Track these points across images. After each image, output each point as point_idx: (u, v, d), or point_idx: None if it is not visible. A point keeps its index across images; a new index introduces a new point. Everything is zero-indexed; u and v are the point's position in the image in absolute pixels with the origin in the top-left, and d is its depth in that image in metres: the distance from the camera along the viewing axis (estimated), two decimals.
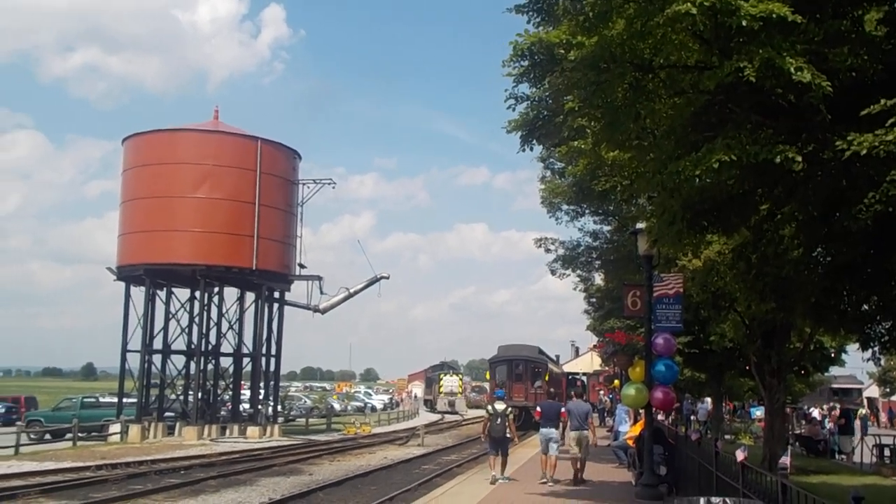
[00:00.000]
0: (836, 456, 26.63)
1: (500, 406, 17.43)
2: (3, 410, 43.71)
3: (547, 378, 45.33)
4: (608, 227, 24.73)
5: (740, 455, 8.34)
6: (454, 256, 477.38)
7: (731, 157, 6.94)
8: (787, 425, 28.56)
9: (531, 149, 10.47)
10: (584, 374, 68.00)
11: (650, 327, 14.92)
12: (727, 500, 6.61)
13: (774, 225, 9.10)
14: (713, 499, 6.61)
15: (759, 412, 34.28)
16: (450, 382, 71.94)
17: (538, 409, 19.08)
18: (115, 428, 34.42)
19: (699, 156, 7.12)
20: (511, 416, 17.47)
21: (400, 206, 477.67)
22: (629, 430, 19.08)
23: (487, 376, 52.38)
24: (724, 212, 8.66)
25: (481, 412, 69.36)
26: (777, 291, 10.98)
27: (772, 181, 8.04)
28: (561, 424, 17.80)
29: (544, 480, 17.07)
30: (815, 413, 37.88)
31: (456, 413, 66.63)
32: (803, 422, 34.88)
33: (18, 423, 34.75)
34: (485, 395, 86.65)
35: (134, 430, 34.12)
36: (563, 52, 8.58)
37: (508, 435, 17.35)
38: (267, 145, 37.70)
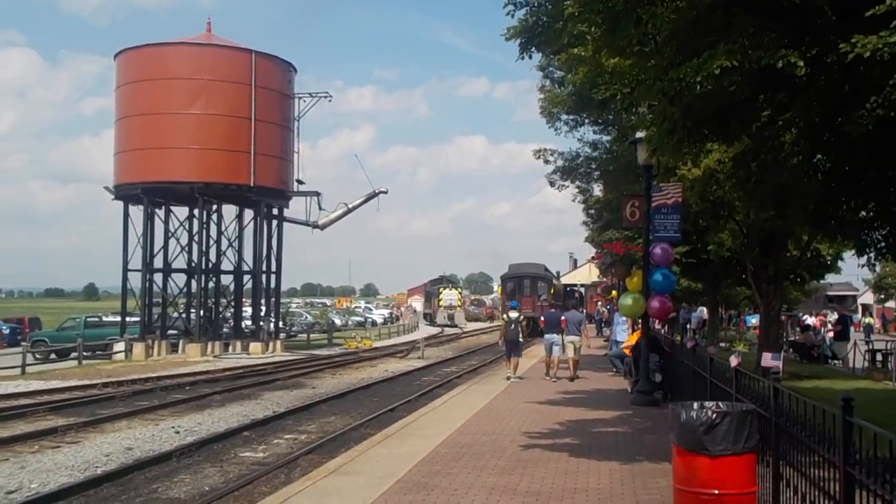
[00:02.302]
0: (830, 362, 27.06)
1: (513, 315, 20.46)
2: (7, 331, 44.32)
3: (552, 291, 51.03)
4: (608, 137, 24.49)
5: (734, 361, 8.48)
6: (454, 170, 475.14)
7: (732, 62, 6.81)
8: (782, 332, 28.91)
9: (530, 57, 10.19)
10: (583, 285, 68.76)
11: (648, 237, 14.98)
12: (720, 403, 6.73)
13: (775, 132, 8.99)
14: (706, 403, 6.72)
15: (754, 320, 34.67)
16: (449, 296, 72.71)
17: (542, 318, 22.49)
18: (120, 346, 34.91)
19: (701, 61, 6.98)
20: (523, 324, 20.84)
21: (399, 118, 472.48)
22: (627, 339, 19.60)
23: (499, 291, 59.77)
24: (725, 119, 8.54)
25: (480, 325, 71.04)
26: (776, 199, 10.95)
27: (774, 87, 7.91)
28: (560, 331, 20.05)
29: (548, 378, 19.78)
30: (810, 320, 38.31)
31: (455, 326, 67.51)
32: (797, 328, 35.32)
33: (23, 343, 35.19)
34: (483, 308, 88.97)
35: (138, 348, 34.64)
36: None
37: (521, 339, 20.41)
38: (261, 58, 37.13)
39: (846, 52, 6.38)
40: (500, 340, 21.83)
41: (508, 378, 19.78)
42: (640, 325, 17.72)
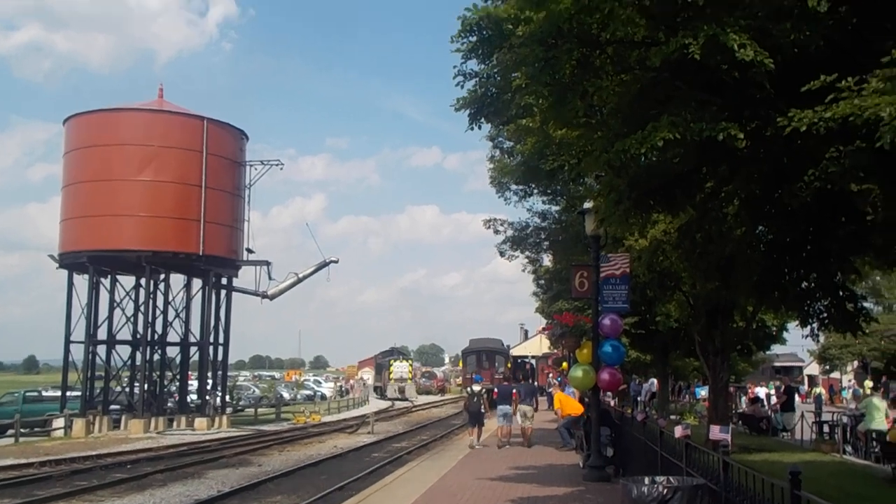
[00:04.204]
0: (779, 434, 27.20)
1: (476, 388, 22.97)
2: None
3: (509, 365, 55.65)
4: (556, 208, 24.82)
5: (679, 431, 8.45)
6: (405, 239, 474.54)
7: (675, 134, 6.96)
8: (731, 404, 29.06)
9: (479, 127, 10.35)
10: (533, 356, 68.66)
11: (597, 308, 15.01)
12: (671, 478, 6.66)
13: (718, 203, 9.19)
14: (657, 478, 6.65)
15: (704, 391, 34.87)
16: (400, 368, 71.91)
17: (495, 390, 24.35)
18: (59, 423, 33.65)
19: (644, 134, 7.12)
20: (485, 396, 22.83)
21: (352, 188, 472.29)
22: (557, 401, 22.27)
23: (461, 364, 66.26)
24: (670, 190, 8.70)
25: (432, 398, 70.64)
26: (721, 270, 11.11)
27: (716, 159, 8.09)
28: (513, 402, 21.96)
29: (501, 444, 21.35)
30: (761, 392, 38.56)
31: (406, 399, 66.59)
32: (745, 399, 35.56)
33: None
34: (434, 381, 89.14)
35: (78, 424, 33.40)
36: (511, 27, 8.50)
37: (483, 410, 22.23)
38: (213, 125, 36.95)
39: (784, 126, 6.54)
40: (464, 411, 24.31)
41: (472, 446, 21.40)
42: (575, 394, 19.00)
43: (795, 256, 9.68)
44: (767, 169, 7.91)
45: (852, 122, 6.15)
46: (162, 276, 38.07)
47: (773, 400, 32.87)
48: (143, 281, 36.74)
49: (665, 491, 6.24)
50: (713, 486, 6.64)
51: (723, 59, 6.78)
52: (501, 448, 21.03)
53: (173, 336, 39.45)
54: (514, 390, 22.76)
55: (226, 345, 40.18)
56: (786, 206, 8.06)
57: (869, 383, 42.27)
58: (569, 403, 20.98)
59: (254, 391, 60.52)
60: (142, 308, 37.03)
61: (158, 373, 38.85)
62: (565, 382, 27.45)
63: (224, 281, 39.67)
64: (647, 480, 6.51)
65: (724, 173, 8.54)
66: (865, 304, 12.68)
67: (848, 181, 6.91)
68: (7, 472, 20.75)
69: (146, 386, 36.32)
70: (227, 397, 42.67)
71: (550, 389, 25.32)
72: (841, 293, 10.59)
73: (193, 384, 41.52)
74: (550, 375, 51.87)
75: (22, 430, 30.45)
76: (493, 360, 55.30)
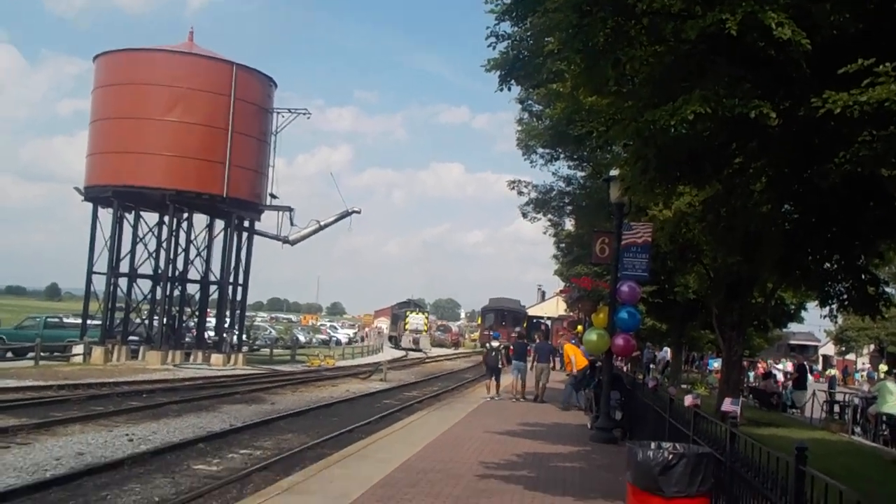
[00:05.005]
0: (789, 410, 27.32)
1: (495, 343, 24.24)
2: None
3: (525, 325, 58.30)
4: (582, 173, 24.70)
5: (689, 400, 8.57)
6: (429, 194, 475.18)
7: (706, 109, 6.92)
8: (743, 378, 29.17)
9: (509, 89, 10.31)
10: (549, 318, 69.02)
11: (616, 275, 15.09)
12: (677, 445, 6.77)
13: (746, 179, 9.16)
14: (664, 444, 6.77)
15: (716, 364, 34.97)
16: (416, 320, 72.50)
17: (511, 347, 25.17)
18: (79, 349, 34.33)
19: (675, 106, 7.08)
20: (503, 352, 24.00)
21: (378, 141, 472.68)
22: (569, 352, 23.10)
23: (479, 321, 69.98)
24: (698, 163, 8.67)
25: (445, 351, 71.38)
26: (744, 245, 11.12)
27: (746, 135, 8.05)
28: (529, 359, 23.48)
29: (515, 398, 22.55)
30: (777, 368, 38.57)
31: (420, 350, 67.26)
32: (754, 374, 35.65)
33: None
34: (449, 335, 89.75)
35: (97, 352, 34.08)
36: None
37: (500, 365, 23.49)
38: (242, 70, 37.03)
39: (817, 107, 6.51)
40: (483, 364, 25.93)
41: (488, 398, 22.55)
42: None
43: (820, 236, 9.68)
44: (798, 148, 7.88)
45: (887, 108, 6.12)
46: (185, 215, 38.49)
47: (781, 378, 33.00)
48: (166, 218, 37.16)
49: (671, 457, 6.35)
50: (718, 455, 6.76)
51: (759, 36, 6.72)
52: (514, 401, 22.11)
53: (194, 273, 40.08)
54: (530, 347, 24.31)
55: (245, 285, 40.68)
56: (814, 186, 8.04)
57: (884, 367, 42.20)
58: (579, 356, 21.77)
59: (270, 332, 61.32)
60: (164, 245, 37.51)
61: (178, 308, 39.48)
62: (578, 345, 27.69)
63: (246, 224, 40.01)
64: (653, 445, 6.63)
65: (753, 149, 8.50)
66: (887, 290, 12.66)
67: (879, 166, 6.88)
68: (26, 392, 21.30)
69: (165, 320, 36.96)
70: (244, 336, 43.30)
71: (560, 340, 26.80)
72: (863, 276, 10.60)
73: (211, 321, 42.15)
74: (565, 337, 52.36)
75: (42, 354, 31.11)
76: (511, 319, 57.23)
